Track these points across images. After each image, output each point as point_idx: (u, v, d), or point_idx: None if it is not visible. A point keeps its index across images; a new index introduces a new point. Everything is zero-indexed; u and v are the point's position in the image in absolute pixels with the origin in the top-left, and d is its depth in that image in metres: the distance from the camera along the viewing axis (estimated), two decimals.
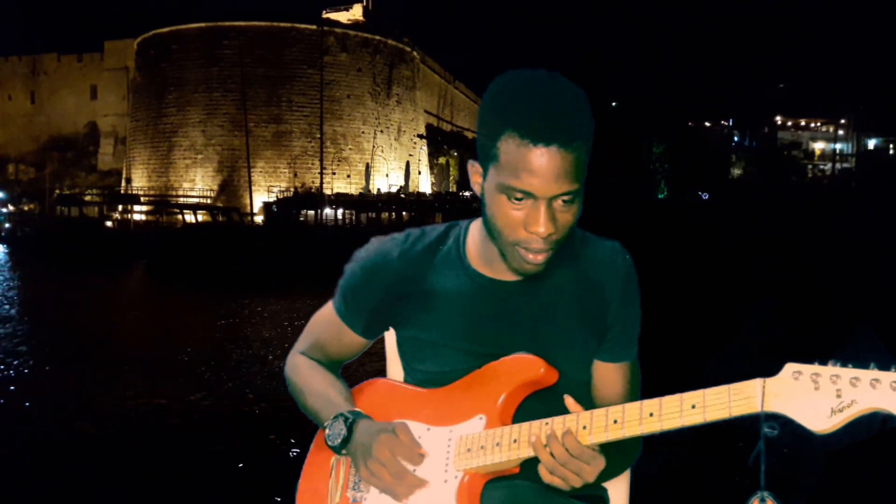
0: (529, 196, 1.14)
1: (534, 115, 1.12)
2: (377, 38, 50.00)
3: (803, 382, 1.00)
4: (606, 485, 1.39)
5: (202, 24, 46.63)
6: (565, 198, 1.15)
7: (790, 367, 1.02)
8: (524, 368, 1.25)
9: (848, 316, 10.57)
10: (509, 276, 1.29)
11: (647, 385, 1.38)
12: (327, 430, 1.30)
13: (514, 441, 1.19)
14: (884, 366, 0.97)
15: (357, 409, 1.32)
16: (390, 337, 1.48)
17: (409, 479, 1.22)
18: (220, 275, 20.11)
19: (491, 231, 1.22)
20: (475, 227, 1.34)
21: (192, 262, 23.24)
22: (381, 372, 1.51)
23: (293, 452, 4.92)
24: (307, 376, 1.41)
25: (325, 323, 1.43)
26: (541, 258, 1.20)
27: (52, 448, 5.33)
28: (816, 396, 0.99)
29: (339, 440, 1.27)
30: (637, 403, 1.12)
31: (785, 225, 31.98)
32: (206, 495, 4.41)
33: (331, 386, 1.38)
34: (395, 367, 1.48)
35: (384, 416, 1.33)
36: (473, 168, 1.24)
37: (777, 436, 1.01)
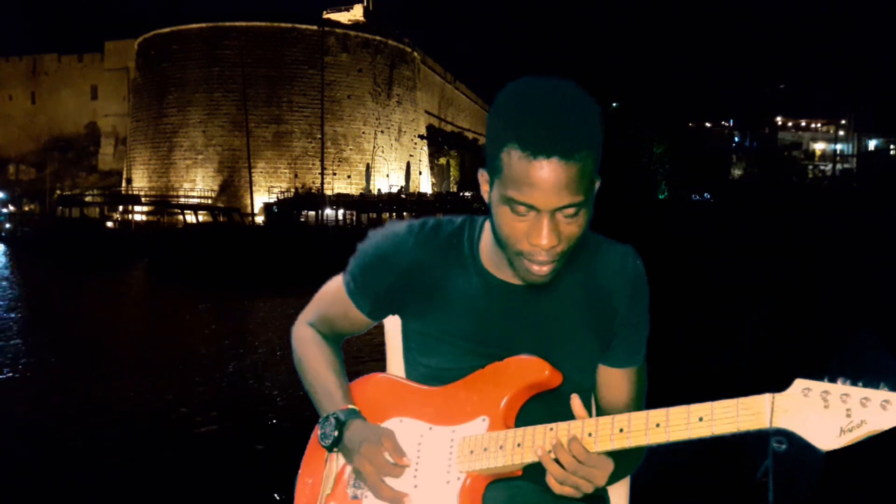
0: (532, 209, 1.13)
1: (534, 126, 1.10)
2: (378, 38, 50.02)
3: (813, 400, 0.99)
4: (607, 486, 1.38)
5: (203, 25, 46.66)
6: (569, 210, 1.14)
7: (800, 384, 1.01)
8: (528, 370, 1.24)
9: (848, 317, 10.56)
10: (519, 280, 1.28)
11: (648, 386, 1.37)
12: (319, 430, 1.31)
13: (518, 445, 1.18)
14: (895, 386, 0.95)
15: (351, 408, 1.32)
16: (392, 327, 1.47)
17: (386, 493, 1.23)
18: (220, 275, 20.11)
19: (498, 240, 1.22)
20: (490, 227, 1.31)
21: (192, 263, 23.23)
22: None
23: (293, 448, 4.91)
24: (311, 354, 1.42)
25: (333, 297, 1.43)
26: (545, 270, 1.19)
27: (52, 447, 5.33)
28: (826, 415, 0.98)
29: (330, 441, 1.29)
30: (643, 413, 1.11)
31: (785, 225, 31.97)
32: (208, 491, 4.41)
33: (332, 372, 1.39)
34: (395, 358, 1.48)
35: (384, 413, 1.33)
36: (482, 177, 1.23)
37: (784, 451, 1.00)
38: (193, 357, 9.16)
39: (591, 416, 1.17)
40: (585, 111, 1.13)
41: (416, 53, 54.51)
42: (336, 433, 1.28)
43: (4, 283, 19.97)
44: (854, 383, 0.98)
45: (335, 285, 1.43)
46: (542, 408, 1.26)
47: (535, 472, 1.19)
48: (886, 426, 0.95)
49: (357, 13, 55.92)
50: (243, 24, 46.03)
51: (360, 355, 6.40)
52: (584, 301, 1.29)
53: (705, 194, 50.73)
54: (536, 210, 1.13)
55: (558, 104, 1.12)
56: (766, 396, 1.02)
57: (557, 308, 1.29)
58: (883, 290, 14.58)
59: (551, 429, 1.16)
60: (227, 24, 46.12)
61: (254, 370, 8.35)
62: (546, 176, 1.10)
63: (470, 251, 1.33)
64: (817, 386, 1.00)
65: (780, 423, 1.00)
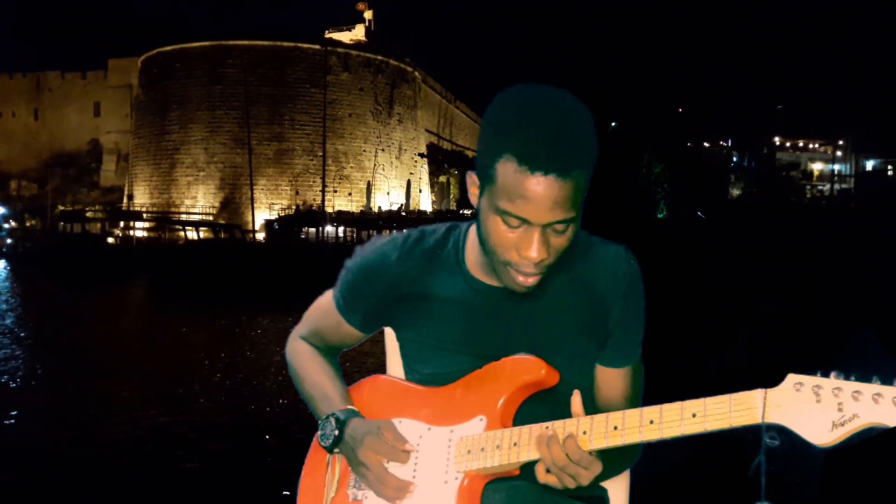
0: (524, 222, 1.13)
1: (533, 140, 1.09)
2: (379, 57, 50.31)
3: (805, 394, 0.99)
4: (606, 485, 1.39)
5: (206, 43, 46.94)
6: (559, 226, 1.14)
7: (792, 378, 1.01)
8: (525, 370, 1.24)
9: (847, 317, 10.52)
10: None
11: (648, 388, 1.38)
12: (320, 430, 1.31)
13: (515, 444, 1.19)
14: (887, 380, 0.96)
15: (350, 408, 1.33)
16: (390, 332, 1.47)
17: (391, 482, 1.23)
18: (221, 291, 20.08)
19: (484, 246, 1.22)
20: (474, 233, 1.32)
21: (193, 279, 23.19)
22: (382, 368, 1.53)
23: (294, 462, 4.91)
24: (306, 364, 1.43)
25: (325, 312, 1.43)
26: (531, 281, 1.19)
27: (50, 459, 5.31)
28: (818, 409, 0.98)
29: (330, 441, 1.28)
30: (637, 410, 1.12)
31: (785, 228, 31.91)
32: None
33: (328, 378, 1.40)
34: (394, 363, 1.47)
35: (384, 414, 1.32)
36: (471, 179, 1.23)
37: (778, 446, 1.00)
38: (193, 372, 9.13)
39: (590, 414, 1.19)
40: (584, 128, 1.13)
41: (416, 73, 54.79)
42: (336, 432, 1.28)
43: (5, 298, 19.94)
44: (846, 378, 0.98)
45: (326, 301, 1.44)
46: (539, 407, 1.26)
47: (532, 471, 1.19)
48: (878, 419, 0.95)
49: (359, 33, 56.27)
50: (246, 42, 46.32)
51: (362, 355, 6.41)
52: (575, 302, 1.29)
53: (697, 212, 50.62)
54: (528, 223, 1.13)
55: (558, 119, 1.11)
56: (759, 392, 1.02)
57: (548, 309, 1.29)
58: (881, 292, 14.52)
59: (547, 427, 1.17)
60: (230, 42, 46.42)
61: (254, 385, 8.33)
62: (542, 191, 1.09)
63: (455, 258, 1.33)
64: (809, 380, 1.00)
65: (773, 418, 1.00)
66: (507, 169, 1.11)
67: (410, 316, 1.35)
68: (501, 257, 1.18)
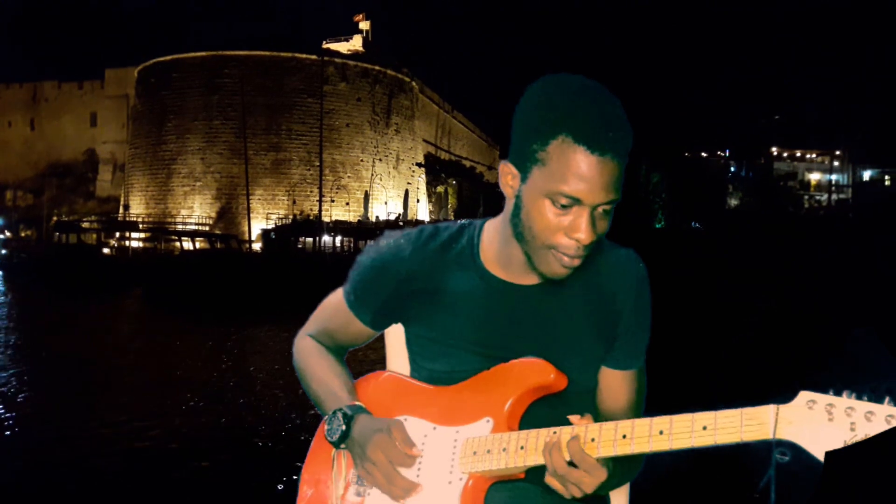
0: (576, 203, 1.13)
1: (594, 122, 1.11)
2: (377, 68, 50.57)
3: (817, 412, 0.98)
4: None
5: (203, 53, 47.15)
6: (607, 207, 1.15)
7: (805, 396, 1.00)
8: (533, 373, 1.23)
9: (850, 319, 10.56)
10: (523, 280, 1.27)
11: (650, 393, 1.36)
12: (326, 425, 1.29)
13: (521, 448, 1.17)
14: None
15: (358, 404, 1.30)
16: (392, 330, 1.45)
17: (400, 482, 1.21)
18: (217, 302, 20.07)
19: (522, 233, 1.20)
20: (490, 228, 1.31)
21: (189, 290, 23.17)
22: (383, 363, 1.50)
23: (292, 472, 4.88)
24: (313, 361, 1.41)
25: (334, 310, 1.42)
26: (576, 262, 1.19)
27: (43, 467, 5.28)
28: (830, 427, 0.97)
29: (337, 436, 1.26)
30: (647, 420, 1.10)
31: (782, 250, 32.15)
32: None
33: (335, 375, 1.37)
34: (395, 362, 1.46)
35: (388, 411, 1.31)
36: (507, 168, 1.21)
37: (787, 462, 0.99)
38: (188, 383, 9.10)
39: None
40: (625, 115, 1.15)
41: (414, 83, 55.05)
42: (344, 427, 1.25)
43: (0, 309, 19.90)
44: (859, 397, 0.97)
45: (336, 298, 1.42)
46: (546, 411, 1.24)
47: (537, 474, 1.18)
48: None
49: (356, 43, 56.57)
50: (243, 52, 46.54)
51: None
52: (587, 302, 1.29)
53: (693, 223, 50.91)
54: (580, 204, 1.13)
55: (609, 103, 1.14)
56: (771, 407, 1.01)
57: (561, 308, 1.28)
58: (879, 294, 14.60)
59: (555, 432, 1.15)
60: (228, 52, 46.64)
61: (250, 395, 8.30)
62: (599, 172, 1.11)
63: (470, 253, 1.32)
64: (822, 398, 0.99)
65: (784, 434, 0.99)
66: (563, 149, 1.12)
67: (421, 311, 1.33)
68: (546, 241, 1.17)
